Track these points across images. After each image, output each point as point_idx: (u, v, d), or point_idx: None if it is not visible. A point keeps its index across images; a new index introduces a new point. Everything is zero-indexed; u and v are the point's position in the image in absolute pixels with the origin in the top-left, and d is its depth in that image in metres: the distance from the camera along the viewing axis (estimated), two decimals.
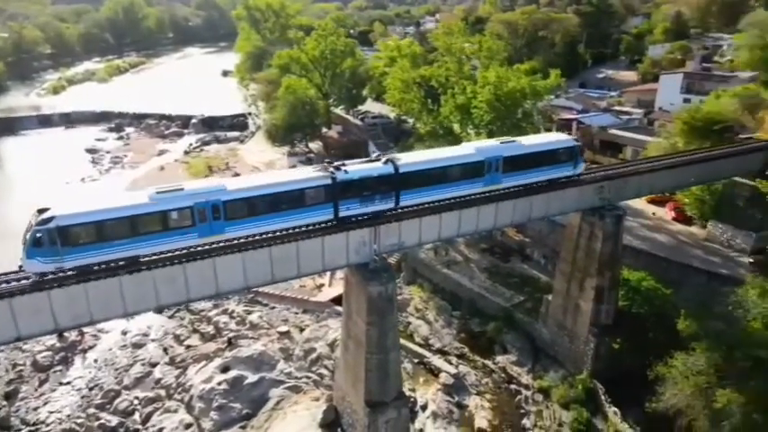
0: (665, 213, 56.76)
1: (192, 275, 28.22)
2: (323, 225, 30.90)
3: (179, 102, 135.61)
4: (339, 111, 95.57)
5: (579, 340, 42.58)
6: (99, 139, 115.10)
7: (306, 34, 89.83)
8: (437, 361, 45.56)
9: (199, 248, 28.67)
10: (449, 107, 64.10)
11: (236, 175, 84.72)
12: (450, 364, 45.39)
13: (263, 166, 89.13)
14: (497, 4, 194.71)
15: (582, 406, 39.73)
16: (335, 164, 31.65)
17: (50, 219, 24.60)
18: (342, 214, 30.91)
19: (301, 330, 48.96)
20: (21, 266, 25.63)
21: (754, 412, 29.85)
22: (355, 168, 31.23)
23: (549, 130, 74.84)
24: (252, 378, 42.64)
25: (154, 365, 46.21)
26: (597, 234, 40.03)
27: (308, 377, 43.55)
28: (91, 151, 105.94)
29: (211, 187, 28.40)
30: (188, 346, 48.00)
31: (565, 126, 76.81)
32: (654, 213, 56.36)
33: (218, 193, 27.87)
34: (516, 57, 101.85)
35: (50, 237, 24.42)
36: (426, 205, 33.06)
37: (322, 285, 54.70)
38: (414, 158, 33.62)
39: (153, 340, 49.51)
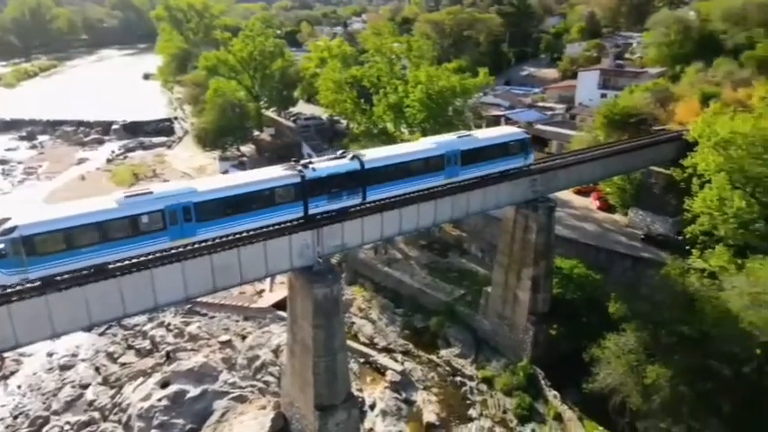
0: (590, 203, 59.83)
1: (128, 289, 26.94)
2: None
3: (98, 107, 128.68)
4: (271, 113, 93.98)
5: (518, 329, 44.11)
6: (9, 149, 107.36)
7: (233, 35, 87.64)
8: (383, 359, 45.84)
9: (134, 260, 27.45)
10: (382, 107, 64.61)
11: (166, 181, 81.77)
12: (396, 361, 45.79)
13: (193, 171, 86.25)
14: (423, 5, 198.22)
15: (524, 392, 41.20)
16: (303, 162, 31.68)
17: (13, 228, 23.61)
18: (311, 212, 31.03)
19: (243, 338, 47.81)
20: None
21: (680, 384, 31.99)
22: (323, 166, 31.35)
23: (478, 126, 77.13)
24: (194, 391, 41.22)
25: (85, 387, 43.68)
26: (531, 226, 41.62)
27: (254, 385, 42.61)
28: (0, 162, 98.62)
29: (181, 189, 27.94)
30: (123, 364, 45.71)
31: (494, 122, 79.29)
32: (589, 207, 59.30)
33: (188, 195, 27.51)
34: (444, 56, 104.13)
35: (14, 247, 23.43)
36: (382, 201, 33.16)
37: (263, 291, 53.66)
38: (378, 154, 34.19)
39: (83, 360, 46.79)
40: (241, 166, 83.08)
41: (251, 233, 29.99)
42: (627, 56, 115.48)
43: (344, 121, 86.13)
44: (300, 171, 30.47)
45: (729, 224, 35.10)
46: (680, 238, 48.61)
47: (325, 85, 71.26)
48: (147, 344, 47.70)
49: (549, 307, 43.61)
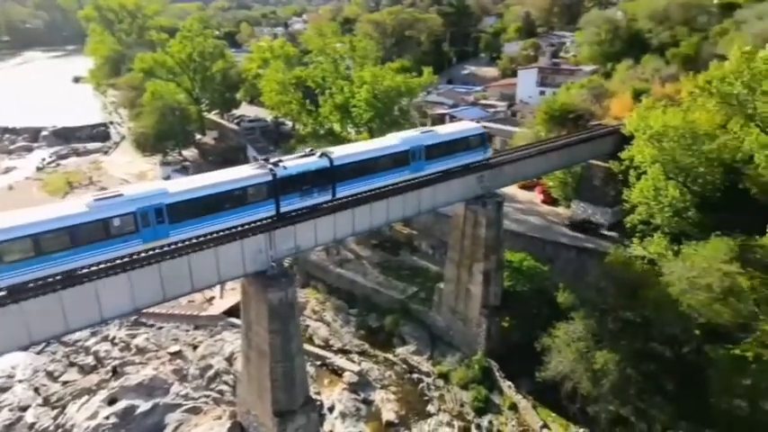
0: (535, 197, 61.67)
1: (70, 304, 25.63)
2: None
3: (24, 112, 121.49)
4: (213, 116, 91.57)
5: (472, 323, 44.91)
6: None
7: (170, 36, 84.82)
8: (339, 360, 45.60)
9: (77, 272, 26.14)
10: (328, 107, 64.26)
11: (104, 189, 78.32)
12: (353, 362, 45.67)
13: (132, 178, 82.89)
14: (363, 5, 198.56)
15: (479, 384, 41.97)
16: (273, 160, 31.81)
17: None
18: (283, 210, 31.15)
19: (195, 348, 46.39)
20: None
21: (627, 368, 33.45)
22: (293, 164, 31.49)
23: (423, 125, 77.99)
24: (144, 406, 39.68)
25: (24, 409, 41.16)
26: (481, 221, 42.46)
27: (208, 396, 41.44)
28: None
29: (152, 191, 27.61)
30: (65, 383, 43.38)
31: (439, 120, 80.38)
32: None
33: (159, 197, 27.18)
34: (386, 56, 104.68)
35: None
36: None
37: (213, 298, 52.25)
38: (346, 151, 34.57)
39: (20, 381, 44.06)
40: (184, 171, 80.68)
41: (200, 239, 29.15)
42: (561, 54, 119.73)
43: (290, 123, 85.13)
44: (271, 169, 30.49)
45: (665, 213, 37.02)
46: (604, 223, 51.57)
47: (270, 86, 70.17)
48: (90, 360, 45.47)
49: (501, 300, 44.62)
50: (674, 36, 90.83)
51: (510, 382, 41.54)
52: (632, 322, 34.10)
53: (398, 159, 35.70)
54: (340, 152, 33.91)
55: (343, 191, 33.37)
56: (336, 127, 66.27)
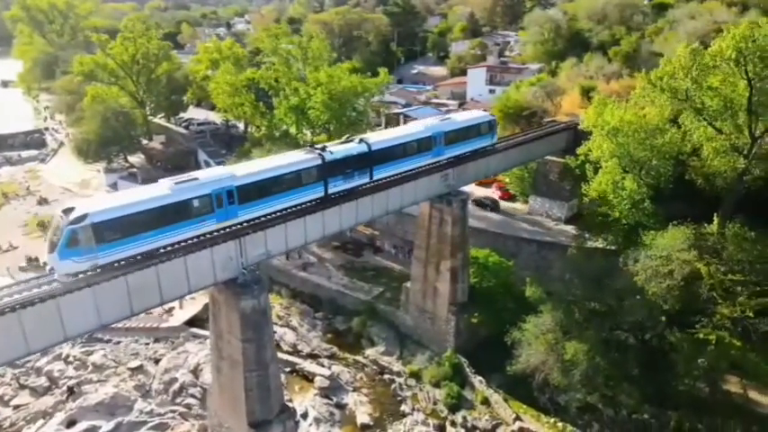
0: (492, 193, 62.76)
1: (30, 323, 24.02)
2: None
3: None
4: (159, 120, 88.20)
5: (440, 320, 45.24)
6: None
7: (111, 37, 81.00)
8: (309, 366, 44.92)
9: (35, 291, 24.56)
10: (282, 109, 63.19)
11: (44, 199, 74.23)
12: (323, 366, 45.09)
13: (75, 186, 78.98)
14: (308, 5, 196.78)
15: (451, 381, 42.29)
16: (319, 146, 34.12)
17: (84, 216, 24.29)
18: (330, 191, 33.42)
19: (157, 362, 44.53)
20: (50, 269, 25.14)
21: (595, 357, 34.55)
22: (337, 149, 33.81)
23: (378, 125, 78.15)
24: (107, 426, 37.84)
25: None
26: (447, 219, 42.82)
27: (174, 411, 39.92)
28: None
29: (223, 175, 29.52)
30: (16, 407, 40.68)
31: (394, 120, 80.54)
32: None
33: (230, 180, 29.16)
34: (335, 56, 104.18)
35: (85, 234, 24.14)
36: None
37: (172, 309, 50.25)
38: (381, 137, 37.28)
39: None
40: (132, 177, 77.44)
41: (168, 249, 27.96)
42: (507, 53, 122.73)
43: (241, 125, 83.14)
44: (320, 154, 32.81)
45: (623, 205, 38.44)
46: (561, 216, 53.47)
47: (221, 88, 68.24)
48: (43, 381, 42.80)
49: (468, 296, 45.17)
50: (613, 35, 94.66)
51: (481, 378, 42.08)
52: (598, 312, 35.25)
53: (423, 145, 38.56)
54: (376, 138, 36.67)
55: (379, 173, 35.97)
56: (292, 129, 65.26)
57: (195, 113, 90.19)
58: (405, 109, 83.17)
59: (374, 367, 45.42)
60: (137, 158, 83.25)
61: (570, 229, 52.90)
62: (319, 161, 32.49)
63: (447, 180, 41.88)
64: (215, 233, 29.58)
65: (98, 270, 25.43)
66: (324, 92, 56.72)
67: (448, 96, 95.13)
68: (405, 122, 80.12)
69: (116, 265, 25.88)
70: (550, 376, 36.68)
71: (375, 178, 35.76)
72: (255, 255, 31.44)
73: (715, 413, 34.13)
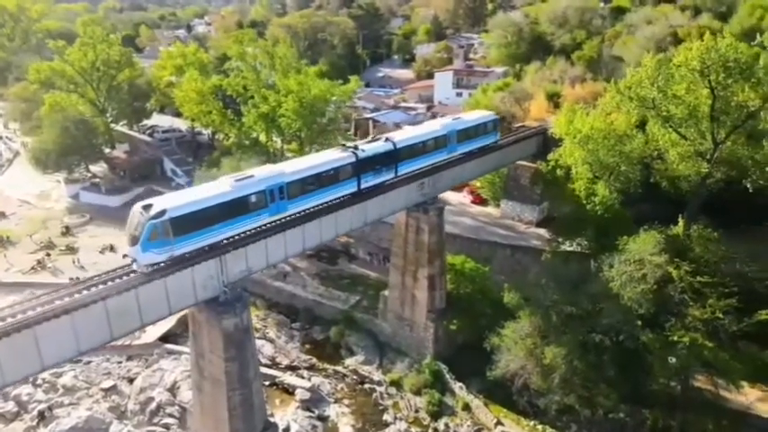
0: (463, 198, 63.47)
1: (6, 355, 23.11)
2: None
3: None
4: (122, 127, 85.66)
5: (419, 328, 45.53)
6: None
7: (67, 42, 78.09)
8: (289, 378, 44.52)
9: (9, 319, 23.62)
10: (252, 117, 62.40)
11: (2, 213, 71.30)
12: (303, 378, 44.78)
13: (33, 198, 76.11)
14: (269, 8, 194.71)
15: (432, 388, 42.63)
16: (350, 145, 36.95)
17: (163, 212, 26.64)
18: (362, 186, 36.13)
19: (131, 381, 43.36)
20: (133, 261, 27.18)
21: (573, 360, 35.37)
22: (368, 147, 36.64)
23: (347, 130, 77.99)
24: None
25: None
26: (423, 227, 43.14)
27: (152, 431, 38.91)
28: None
29: (274, 172, 31.94)
30: None
31: (363, 125, 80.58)
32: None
33: (281, 177, 31.61)
34: (300, 60, 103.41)
35: (164, 228, 26.50)
36: (276, 223, 32.57)
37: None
38: (404, 136, 40.05)
39: None
40: (95, 188, 75.11)
41: (150, 274, 27.31)
42: (471, 55, 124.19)
43: (208, 132, 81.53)
44: (354, 152, 35.40)
45: (596, 211, 39.50)
46: (532, 220, 54.48)
47: (188, 96, 66.81)
48: (11, 406, 41.04)
49: (446, 303, 45.61)
50: (574, 38, 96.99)
51: (461, 384, 42.57)
52: (575, 316, 36.08)
53: (439, 142, 41.50)
54: (400, 137, 39.41)
55: (403, 169, 38.90)
56: (262, 137, 64.52)
57: (159, 120, 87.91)
58: (374, 113, 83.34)
59: (354, 377, 45.35)
60: (99, 168, 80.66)
61: (542, 232, 53.93)
62: (353, 159, 35.22)
63: (423, 189, 42.15)
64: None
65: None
66: (294, 100, 56.23)
67: (416, 100, 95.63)
68: (374, 127, 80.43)
69: (186, 255, 28.18)
70: (530, 380, 37.37)
71: (399, 173, 38.75)
72: (236, 272, 31.03)
73: (687, 410, 35.46)
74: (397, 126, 79.52)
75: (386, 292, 47.81)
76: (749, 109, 36.42)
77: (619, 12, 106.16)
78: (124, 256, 27.95)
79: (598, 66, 77.82)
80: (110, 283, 26.78)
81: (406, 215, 43.49)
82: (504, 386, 39.57)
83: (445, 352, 44.95)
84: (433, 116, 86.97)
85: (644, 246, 34.97)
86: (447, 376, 43.41)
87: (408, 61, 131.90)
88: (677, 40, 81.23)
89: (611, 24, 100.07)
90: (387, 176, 37.85)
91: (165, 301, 27.94)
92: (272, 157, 64.20)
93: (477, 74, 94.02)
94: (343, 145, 37.47)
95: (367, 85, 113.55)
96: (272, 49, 67.08)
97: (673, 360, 33.55)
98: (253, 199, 30.16)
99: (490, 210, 60.39)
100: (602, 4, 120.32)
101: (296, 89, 57.15)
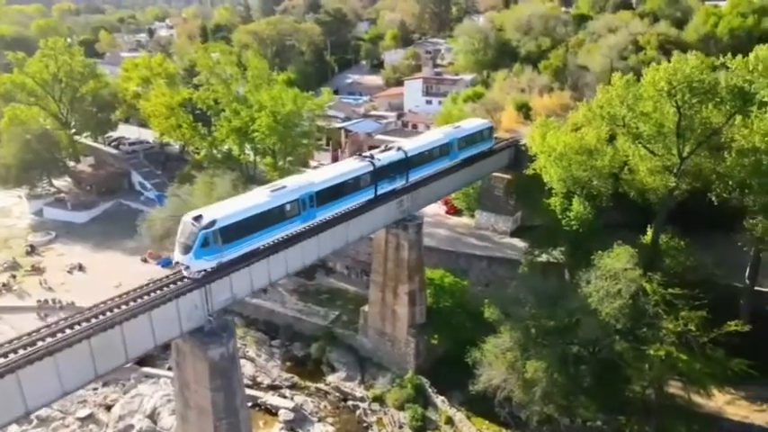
0: (439, 208, 64.11)
1: None
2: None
3: None
4: (87, 140, 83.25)
5: (400, 343, 45.92)
6: None
7: (23, 50, 75.39)
8: (272, 398, 44.28)
9: None
10: (224, 130, 61.69)
11: None
12: (285, 397, 44.61)
13: None
14: (234, 11, 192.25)
15: (415, 403, 42.95)
16: (366, 154, 39.29)
17: (213, 222, 28.71)
18: (379, 192, 38.53)
19: (108, 408, 42.46)
20: (184, 268, 29.09)
21: (553, 373, 36.26)
22: (383, 156, 38.95)
23: (318, 139, 77.66)
24: None
25: None
26: (403, 244, 43.55)
27: None
28: None
29: (304, 182, 34.19)
30: None
31: (335, 134, 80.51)
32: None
33: (310, 186, 33.82)
34: (269, 67, 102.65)
35: (215, 237, 28.64)
36: (261, 247, 32.68)
37: None
38: (413, 145, 42.60)
39: None
40: (60, 203, 72.95)
41: (133, 307, 26.88)
42: (438, 61, 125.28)
43: (176, 144, 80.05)
44: (371, 161, 37.63)
45: (572, 225, 40.65)
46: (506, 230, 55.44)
47: (157, 110, 65.49)
48: None
49: (426, 317, 46.13)
50: (539, 46, 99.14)
51: (443, 397, 43.08)
52: (554, 330, 36.99)
53: (444, 150, 43.94)
54: (410, 146, 41.80)
55: (413, 176, 41.42)
56: (235, 150, 63.82)
57: (125, 131, 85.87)
58: (346, 123, 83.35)
59: (337, 394, 45.43)
60: (63, 183, 78.38)
61: (516, 241, 55.04)
62: (371, 168, 37.47)
63: (402, 206, 42.59)
64: (185, 282, 28.98)
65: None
66: (268, 115, 55.80)
67: (386, 108, 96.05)
68: (346, 137, 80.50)
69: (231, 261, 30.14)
70: (513, 394, 38.09)
71: (410, 180, 41.22)
72: (221, 300, 30.83)
73: (662, 416, 36.75)
74: (369, 136, 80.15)
75: (366, 308, 48.03)
76: (712, 126, 38.01)
77: (582, 19, 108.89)
78: (175, 263, 29.76)
79: (564, 75, 79.70)
80: (158, 292, 28.60)
81: (386, 232, 43.82)
82: (486, 398, 40.17)
83: (426, 366, 45.45)
84: (404, 124, 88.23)
85: (618, 260, 36.12)
86: (429, 390, 43.89)
87: (376, 67, 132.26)
88: (638, 48, 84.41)
89: (575, 32, 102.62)
90: (399, 183, 40.27)
91: (150, 334, 27.62)
92: (246, 171, 63.73)
93: (446, 82, 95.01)
94: (359, 154, 39.84)
95: (336, 92, 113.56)
96: (243, 60, 66.20)
97: (648, 370, 34.74)
98: (287, 207, 32.36)
99: (465, 220, 61.20)
100: (563, 9, 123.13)
101: (269, 104, 56.70)
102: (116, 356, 26.50)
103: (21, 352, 23.59)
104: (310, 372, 47.94)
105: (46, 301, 54.72)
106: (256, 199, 31.87)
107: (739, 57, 36.80)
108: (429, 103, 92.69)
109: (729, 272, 42.05)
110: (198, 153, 65.52)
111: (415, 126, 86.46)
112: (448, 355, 44.87)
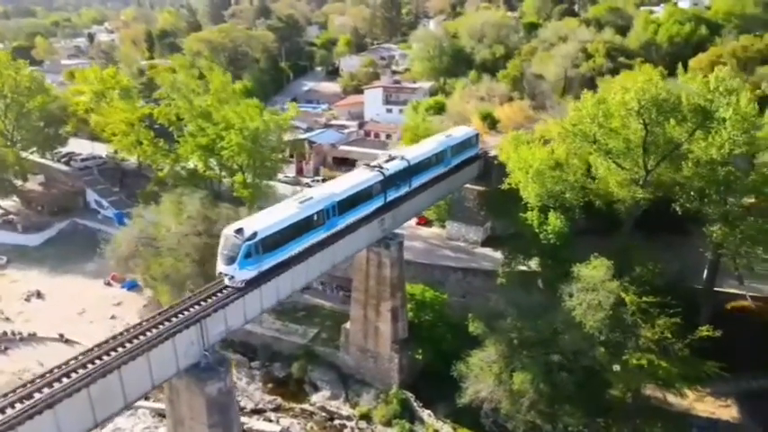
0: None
1: None
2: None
3: None
4: (34, 156, 78.90)
5: (383, 359, 46.24)
6: None
7: None
8: (257, 424, 43.64)
9: None
10: (189, 147, 60.19)
11: None
12: (271, 421, 44.09)
13: None
14: (178, 15, 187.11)
15: (401, 418, 43.34)
16: (374, 164, 41.86)
17: (255, 234, 30.86)
18: (388, 199, 41.29)
19: None
20: (230, 278, 30.99)
21: (540, 384, 37.50)
22: (389, 166, 41.36)
23: (282, 152, 76.77)
24: None
25: None
26: (385, 261, 43.89)
27: None
28: None
29: (326, 194, 36.45)
30: None
31: (299, 146, 79.76)
32: None
33: (332, 197, 36.24)
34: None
35: (256, 248, 30.75)
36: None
37: None
38: (414, 153, 44.94)
39: None
40: (9, 226, 69.08)
41: (133, 350, 26.06)
42: (393, 68, 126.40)
43: (133, 159, 77.24)
44: (380, 171, 40.24)
45: (549, 239, 42.20)
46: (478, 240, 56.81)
47: (116, 127, 63.02)
48: None
49: (408, 332, 46.66)
50: (494, 53, 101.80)
51: (428, 411, 43.69)
52: (538, 342, 38.24)
53: (440, 157, 46.78)
54: (411, 154, 44.44)
55: (415, 182, 44.05)
56: (200, 166, 62.32)
57: (76, 146, 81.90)
58: (309, 134, 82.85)
59: (323, 414, 45.22)
60: (11, 203, 74.19)
61: (488, 251, 56.46)
62: (381, 177, 40.03)
63: (383, 225, 42.92)
64: (179, 319, 28.28)
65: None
66: (237, 134, 54.76)
67: (346, 117, 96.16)
68: (310, 148, 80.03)
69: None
70: (500, 405, 39.08)
71: (413, 186, 43.84)
72: (216, 333, 30.38)
73: (639, 416, 38.67)
74: (333, 147, 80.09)
75: (347, 325, 48.07)
76: (675, 141, 40.39)
77: (532, 27, 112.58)
78: (219, 273, 31.46)
79: (521, 83, 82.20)
80: (209, 300, 30.48)
81: (367, 250, 43.99)
82: (471, 409, 41.08)
83: (410, 380, 46.01)
84: (367, 134, 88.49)
85: (596, 272, 37.76)
86: (414, 404, 44.41)
87: (331, 73, 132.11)
88: (587, 55, 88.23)
89: (527, 39, 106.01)
90: (404, 189, 42.94)
91: (147, 375, 26.87)
92: (212, 188, 62.34)
93: (406, 90, 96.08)
94: (367, 164, 42.34)
95: (294, 100, 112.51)
96: (215, 76, 63.95)
97: (629, 377, 36.55)
98: (315, 217, 34.64)
99: (436, 230, 62.16)
100: (510, 15, 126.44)
101: (237, 122, 55.70)
102: (115, 402, 25.63)
103: (18, 406, 22.45)
104: (293, 392, 47.50)
105: (5, 333, 51.90)
106: (288, 210, 33.89)
107: (700, 77, 39.24)
108: (390, 111, 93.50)
109: (689, 274, 44.77)
110: (161, 170, 63.38)
111: (377, 135, 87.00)
112: (431, 368, 45.57)
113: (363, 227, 40.32)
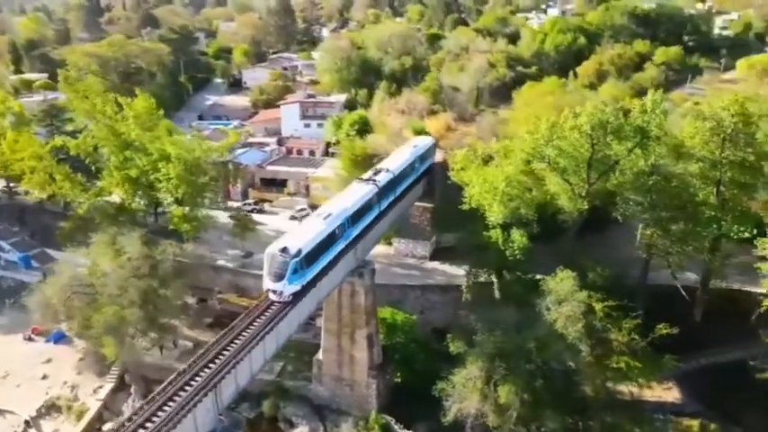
0: None
1: None
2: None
3: None
4: None
5: (360, 386, 46.10)
6: None
7: None
8: None
9: None
10: (113, 180, 55.40)
11: None
12: None
13: None
14: (42, 20, 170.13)
15: None
16: (366, 177, 45.53)
17: (300, 251, 33.56)
18: (382, 208, 45.07)
19: None
20: (279, 293, 33.82)
21: (524, 393, 39.61)
22: (380, 177, 45.15)
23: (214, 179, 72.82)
24: None
25: None
26: (359, 290, 43.86)
27: None
28: None
29: (341, 209, 39.50)
30: None
31: (222, 168, 76.01)
32: None
33: (346, 211, 39.68)
34: (116, 92, 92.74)
35: (301, 263, 33.43)
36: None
37: None
38: (395, 165, 48.49)
39: None
40: None
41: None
42: (298, 78, 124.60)
43: (34, 191, 68.76)
44: (375, 183, 44.07)
45: (516, 255, 44.77)
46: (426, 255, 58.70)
47: (26, 165, 56.01)
48: None
49: (381, 356, 46.95)
50: (402, 64, 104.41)
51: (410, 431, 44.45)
52: (519, 355, 40.33)
53: (413, 165, 51.24)
54: (393, 166, 47.90)
55: (399, 189, 48.17)
56: (127, 200, 57.54)
57: None
58: (232, 155, 79.15)
59: None
60: None
61: (437, 265, 58.28)
62: (377, 189, 43.70)
63: (357, 254, 42.92)
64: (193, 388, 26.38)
65: None
66: (176, 165, 51.35)
67: (263, 133, 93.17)
68: (234, 168, 76.60)
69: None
70: (487, 420, 40.64)
71: (397, 193, 47.89)
72: (228, 395, 29.18)
73: (611, 411, 42.11)
74: (261, 167, 77.60)
75: (319, 356, 47.24)
76: (616, 157, 44.78)
77: (434, 38, 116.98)
78: (267, 290, 34.09)
79: (440, 96, 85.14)
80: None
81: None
82: (454, 425, 42.36)
83: (387, 403, 46.33)
84: (289, 151, 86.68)
85: (563, 284, 40.71)
86: (396, 427, 44.84)
87: (233, 86, 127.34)
88: (491, 65, 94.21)
89: (432, 50, 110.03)
90: (392, 197, 46.92)
91: None
92: (139, 221, 57.76)
93: (323, 104, 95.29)
94: (360, 178, 45.70)
95: (201, 118, 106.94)
96: (139, 102, 58.69)
97: (603, 377, 39.96)
98: (337, 231, 37.70)
99: (382, 248, 62.51)
100: (417, 27, 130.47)
101: (174, 152, 52.20)
102: None
103: None
104: None
105: None
106: (317, 227, 36.88)
107: (637, 100, 43.83)
108: (308, 126, 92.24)
109: (625, 268, 49.46)
110: (80, 206, 57.21)
111: (299, 152, 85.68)
112: (406, 389, 46.35)
113: (341, 261, 40.16)
